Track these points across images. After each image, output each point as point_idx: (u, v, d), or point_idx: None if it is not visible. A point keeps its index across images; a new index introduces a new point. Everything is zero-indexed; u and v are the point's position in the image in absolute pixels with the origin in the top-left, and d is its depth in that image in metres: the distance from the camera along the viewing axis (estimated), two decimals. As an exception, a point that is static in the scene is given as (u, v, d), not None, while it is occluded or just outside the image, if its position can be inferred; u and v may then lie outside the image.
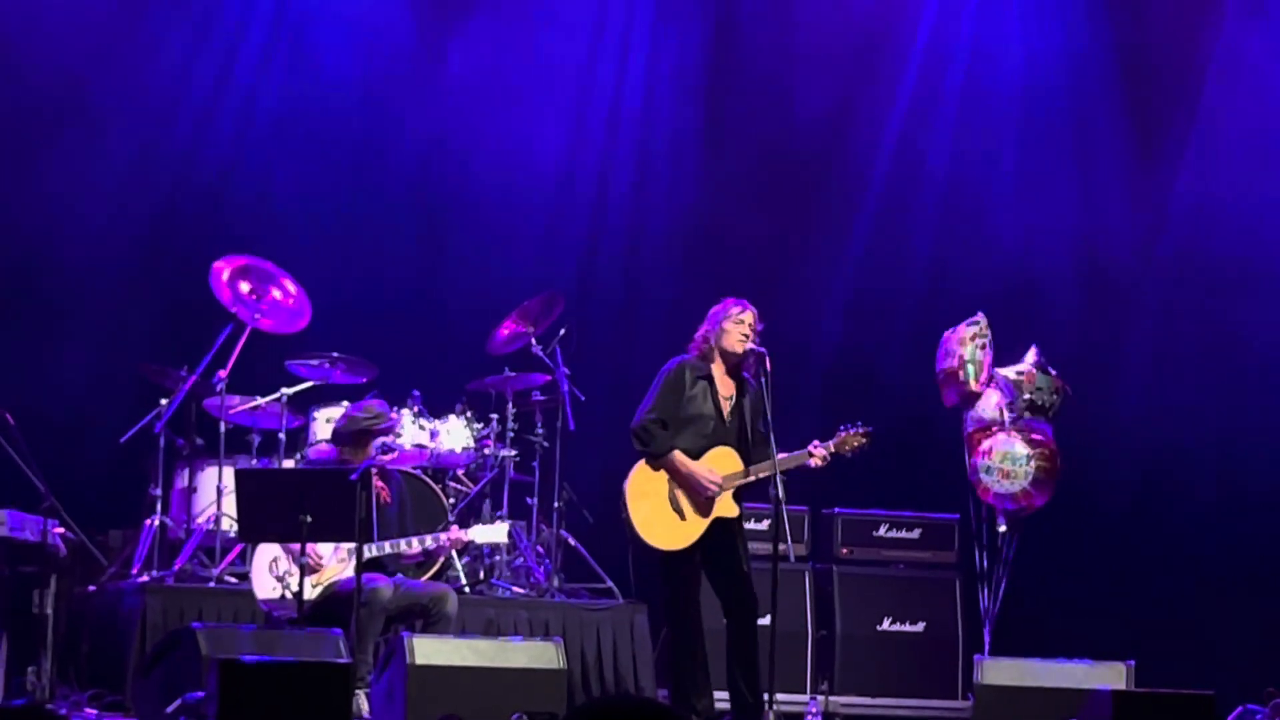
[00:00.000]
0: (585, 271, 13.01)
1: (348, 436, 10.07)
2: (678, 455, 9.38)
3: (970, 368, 11.14)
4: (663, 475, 9.41)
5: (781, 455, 9.30)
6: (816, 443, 9.52)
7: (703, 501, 9.35)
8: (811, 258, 13.35)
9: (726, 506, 9.39)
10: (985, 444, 11.11)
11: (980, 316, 11.21)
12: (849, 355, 13.15)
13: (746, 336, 9.46)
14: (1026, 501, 11.11)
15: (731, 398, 9.52)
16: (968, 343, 11.15)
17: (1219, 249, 12.98)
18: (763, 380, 9.38)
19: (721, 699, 9.59)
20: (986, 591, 11.16)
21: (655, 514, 9.38)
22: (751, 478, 9.36)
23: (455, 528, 10.15)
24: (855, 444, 9.56)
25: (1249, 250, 12.89)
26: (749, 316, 9.51)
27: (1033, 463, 11.04)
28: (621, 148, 13.48)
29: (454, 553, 10.88)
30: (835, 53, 13.41)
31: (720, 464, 9.39)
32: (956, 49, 13.44)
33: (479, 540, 10.35)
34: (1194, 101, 13.08)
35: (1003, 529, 11.21)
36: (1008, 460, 11.02)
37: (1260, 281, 12.88)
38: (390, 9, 13.30)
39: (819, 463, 9.47)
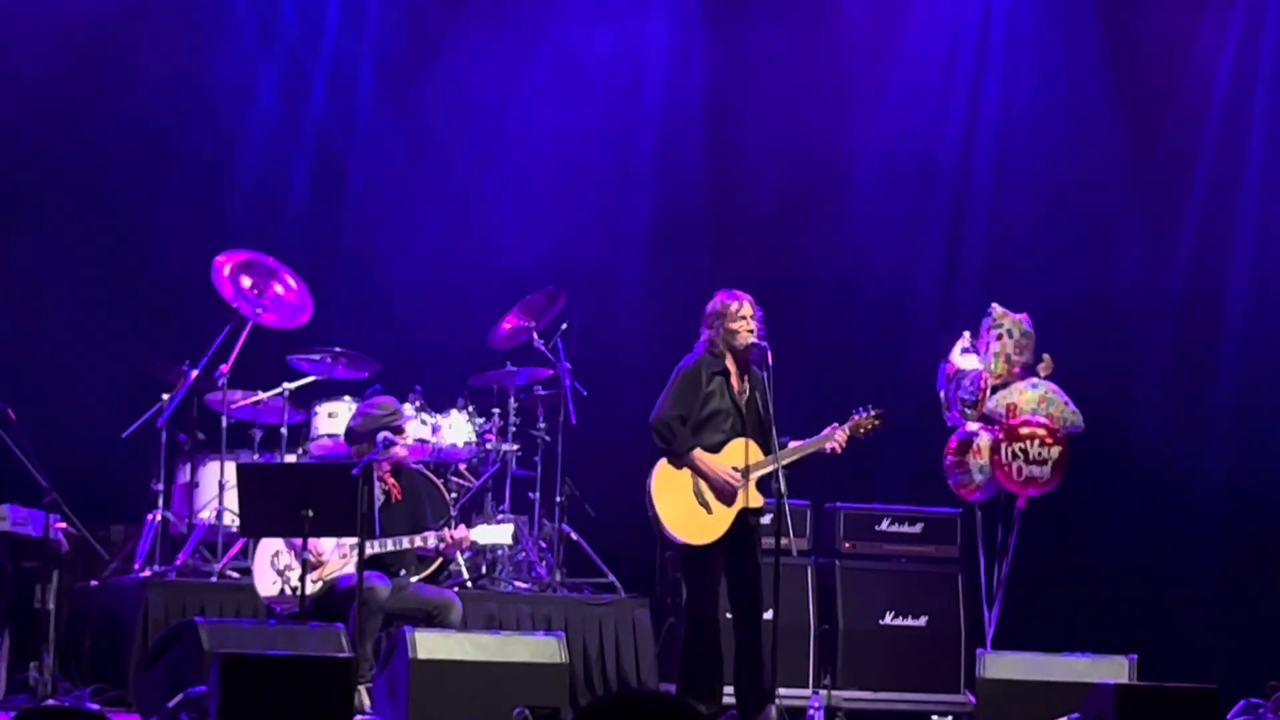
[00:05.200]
0: (588, 265, 13.00)
1: (364, 435, 10.05)
2: (698, 453, 9.37)
3: (998, 359, 11.05)
4: (685, 471, 9.41)
5: (804, 440, 9.42)
6: (835, 425, 9.54)
7: (728, 494, 9.35)
8: (816, 250, 13.33)
9: (751, 497, 9.39)
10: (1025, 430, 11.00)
11: (994, 307, 11.12)
12: (851, 350, 13.14)
13: (753, 330, 9.47)
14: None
15: (745, 391, 9.51)
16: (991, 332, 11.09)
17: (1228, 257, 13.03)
18: (765, 373, 9.42)
19: (728, 694, 9.59)
20: (996, 580, 11.10)
21: (682, 509, 9.37)
22: (775, 465, 9.32)
23: (462, 527, 10.14)
24: (868, 426, 9.62)
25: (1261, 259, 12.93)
26: (747, 308, 9.50)
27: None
28: (626, 136, 13.47)
29: (457, 549, 10.89)
30: (838, 71, 13.45)
31: (740, 456, 9.38)
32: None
33: (483, 541, 10.35)
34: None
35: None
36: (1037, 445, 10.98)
37: (1260, 280, 12.89)
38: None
39: (837, 446, 9.49)
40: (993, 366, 11.06)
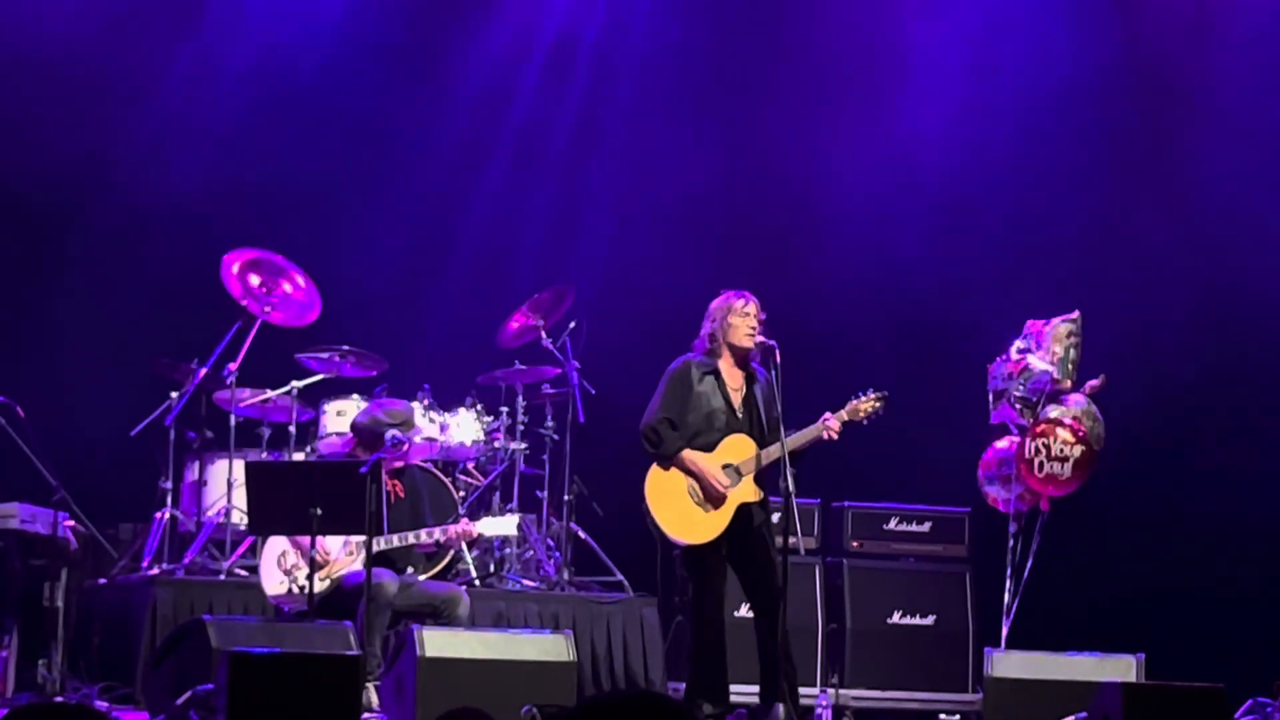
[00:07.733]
0: (595, 264, 12.99)
1: (369, 435, 10.05)
2: (687, 453, 9.35)
3: (1066, 365, 10.99)
4: (678, 472, 9.39)
5: (794, 434, 9.25)
6: (828, 414, 9.40)
7: (716, 496, 9.33)
8: (827, 247, 13.32)
9: (748, 492, 9.35)
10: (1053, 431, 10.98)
11: (1077, 314, 11.05)
12: (856, 349, 13.13)
13: (754, 330, 9.42)
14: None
15: (741, 389, 9.48)
16: (1063, 339, 11.01)
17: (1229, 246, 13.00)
18: (773, 371, 9.36)
19: (746, 692, 9.56)
20: (1017, 585, 11.07)
21: (679, 511, 9.35)
22: (766, 460, 9.28)
23: (465, 520, 10.16)
24: (868, 409, 9.39)
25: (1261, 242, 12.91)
26: (753, 308, 9.45)
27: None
28: (630, 138, 13.46)
29: (464, 545, 10.88)
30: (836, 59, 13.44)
31: (734, 451, 9.36)
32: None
33: (488, 533, 10.36)
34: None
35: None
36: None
37: (1262, 272, 12.87)
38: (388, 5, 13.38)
39: (832, 434, 9.34)
40: (1064, 372, 10.96)
